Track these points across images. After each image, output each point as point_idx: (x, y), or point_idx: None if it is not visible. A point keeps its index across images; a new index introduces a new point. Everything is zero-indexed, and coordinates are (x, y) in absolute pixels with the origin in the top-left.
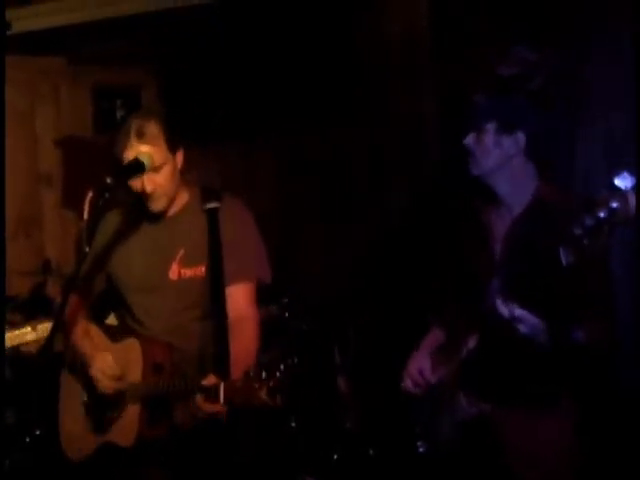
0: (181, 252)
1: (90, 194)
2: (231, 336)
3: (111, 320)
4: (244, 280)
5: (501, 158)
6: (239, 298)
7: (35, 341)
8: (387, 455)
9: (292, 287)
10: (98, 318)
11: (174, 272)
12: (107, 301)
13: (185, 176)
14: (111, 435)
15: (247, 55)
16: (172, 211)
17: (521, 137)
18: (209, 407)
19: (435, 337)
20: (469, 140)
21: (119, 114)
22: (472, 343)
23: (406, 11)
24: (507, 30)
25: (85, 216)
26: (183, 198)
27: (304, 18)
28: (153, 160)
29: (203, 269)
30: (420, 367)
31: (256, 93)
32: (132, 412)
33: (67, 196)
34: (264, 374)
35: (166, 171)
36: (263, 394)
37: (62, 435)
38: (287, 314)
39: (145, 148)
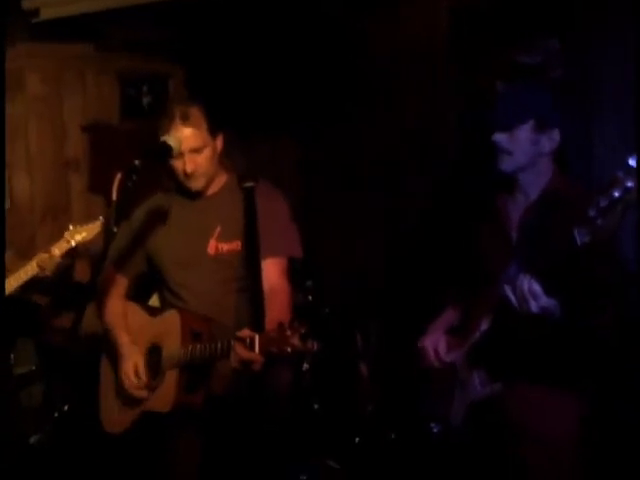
0: (218, 228)
1: (119, 176)
2: (267, 307)
3: (153, 302)
4: (277, 254)
5: (534, 156)
6: (272, 271)
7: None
8: (406, 438)
9: (316, 272)
10: (141, 300)
11: (212, 247)
12: (149, 283)
13: (224, 161)
14: (149, 403)
15: (273, 47)
16: (211, 191)
17: (556, 136)
18: (246, 353)
19: (449, 317)
20: (500, 138)
21: (145, 101)
22: (485, 325)
23: (426, 5)
24: (527, 23)
25: (114, 197)
26: (221, 179)
27: (328, 14)
28: (193, 141)
29: (239, 244)
30: (435, 344)
31: (280, 85)
32: (170, 378)
33: (94, 181)
34: (296, 323)
35: (207, 153)
36: (296, 340)
37: (101, 410)
38: (311, 298)
39: (188, 130)
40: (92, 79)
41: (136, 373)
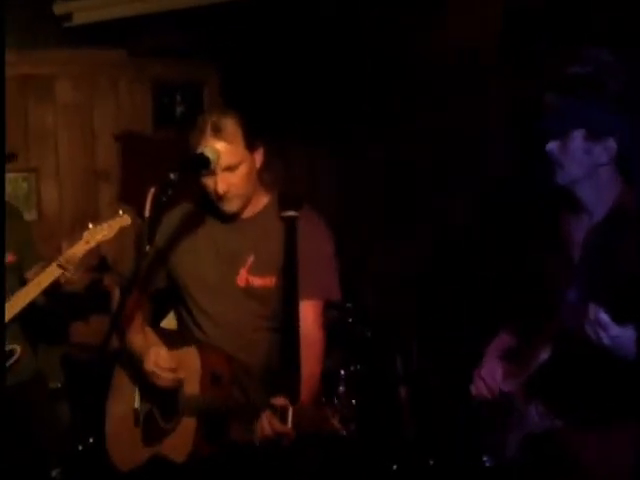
0: (251, 258)
1: (152, 190)
2: (303, 352)
3: (167, 322)
4: (314, 297)
5: (590, 167)
6: (307, 316)
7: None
8: (448, 466)
9: (355, 292)
10: (155, 317)
11: (242, 278)
12: (166, 300)
13: (264, 177)
14: (163, 448)
15: (313, 55)
16: (247, 213)
17: (612, 144)
18: (277, 426)
19: (504, 343)
20: (552, 147)
21: (179, 110)
22: (545, 354)
23: (476, 13)
24: (582, 33)
25: (147, 213)
26: (260, 201)
27: (368, 22)
28: (226, 158)
29: (273, 280)
30: (492, 372)
31: (320, 95)
32: (187, 425)
33: (124, 192)
34: (336, 400)
35: (242, 170)
36: (335, 422)
37: (109, 442)
38: (350, 320)
39: (221, 145)
40: (125, 87)
41: (163, 358)
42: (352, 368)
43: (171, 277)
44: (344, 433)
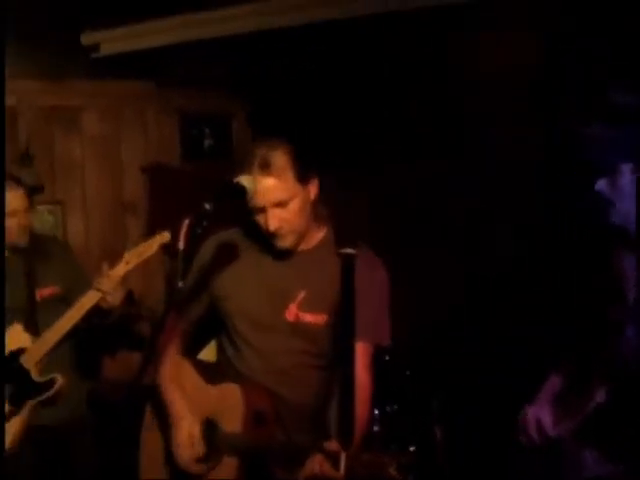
0: (302, 294)
1: (187, 221)
2: None
3: (206, 354)
4: (366, 340)
5: None
6: (358, 358)
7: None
8: None
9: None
10: (193, 347)
11: (291, 313)
12: (207, 329)
13: (318, 210)
14: None
15: (341, 85)
16: (302, 247)
17: None
18: (328, 471)
19: (554, 385)
20: (602, 185)
21: (207, 143)
22: (601, 396)
23: (520, 37)
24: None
25: (181, 245)
26: (316, 236)
27: (403, 49)
28: (276, 194)
29: (325, 318)
30: (539, 418)
31: (350, 125)
32: (228, 466)
33: (152, 226)
34: (393, 447)
35: (294, 206)
36: (392, 470)
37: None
38: (388, 357)
39: (270, 181)
40: (152, 118)
41: (192, 443)
42: (388, 408)
43: (215, 306)
44: None
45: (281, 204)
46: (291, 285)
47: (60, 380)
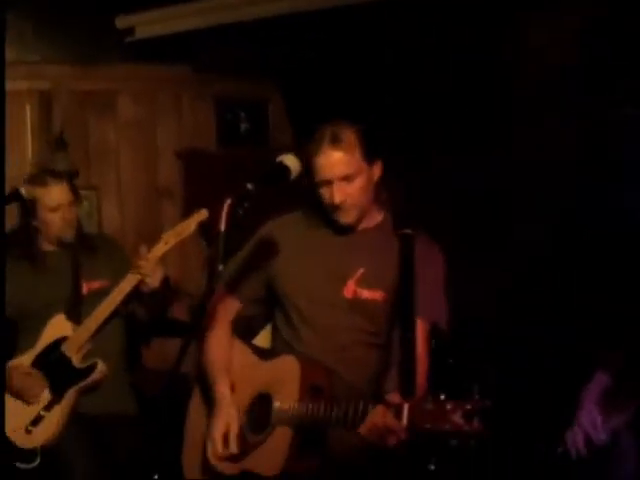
0: (361, 270)
1: (228, 202)
2: None
3: (261, 340)
4: (423, 317)
5: None
6: (419, 335)
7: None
8: None
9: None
10: (247, 332)
11: (349, 290)
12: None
13: (381, 194)
14: (250, 462)
15: (382, 70)
16: (362, 226)
17: None
18: (391, 422)
19: (601, 384)
20: None
21: (243, 127)
22: None
23: (555, 28)
24: None
25: (222, 227)
26: (376, 217)
27: (444, 36)
28: (344, 167)
29: (382, 294)
30: (592, 421)
31: (388, 115)
32: (280, 438)
33: (188, 211)
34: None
35: (359, 182)
36: (458, 417)
37: (187, 459)
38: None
39: (338, 155)
40: (188, 103)
41: (225, 439)
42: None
43: (272, 286)
44: (468, 430)
45: (347, 178)
46: (350, 262)
47: (101, 365)
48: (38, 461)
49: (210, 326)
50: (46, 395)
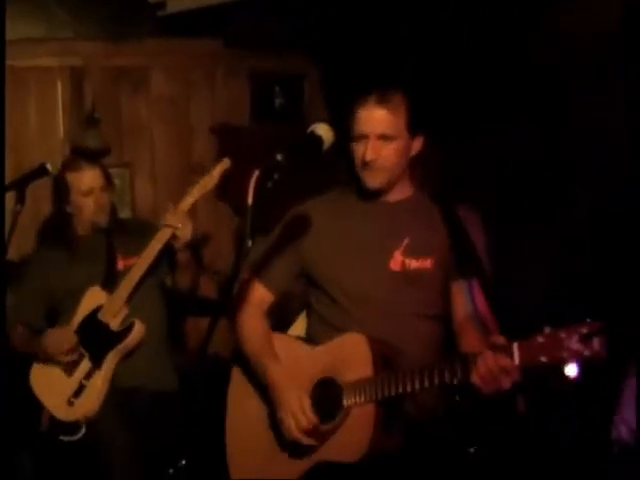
0: (406, 241)
1: (256, 174)
2: (467, 333)
3: (296, 329)
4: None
5: None
6: (478, 297)
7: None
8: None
9: None
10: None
11: (396, 262)
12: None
13: (416, 171)
14: (327, 452)
15: (425, 47)
16: (394, 197)
17: None
18: (504, 363)
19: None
20: None
21: (278, 103)
22: None
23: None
24: None
25: (249, 201)
26: (407, 189)
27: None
28: (384, 126)
29: (432, 262)
30: (631, 423)
31: (434, 90)
32: (361, 416)
33: (221, 189)
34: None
35: (396, 146)
36: (575, 343)
37: (235, 462)
38: None
39: (382, 112)
40: (221, 79)
41: (304, 411)
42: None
43: (309, 272)
44: (588, 354)
45: (385, 138)
46: (393, 234)
47: (139, 325)
48: (83, 432)
49: (244, 316)
50: (86, 364)
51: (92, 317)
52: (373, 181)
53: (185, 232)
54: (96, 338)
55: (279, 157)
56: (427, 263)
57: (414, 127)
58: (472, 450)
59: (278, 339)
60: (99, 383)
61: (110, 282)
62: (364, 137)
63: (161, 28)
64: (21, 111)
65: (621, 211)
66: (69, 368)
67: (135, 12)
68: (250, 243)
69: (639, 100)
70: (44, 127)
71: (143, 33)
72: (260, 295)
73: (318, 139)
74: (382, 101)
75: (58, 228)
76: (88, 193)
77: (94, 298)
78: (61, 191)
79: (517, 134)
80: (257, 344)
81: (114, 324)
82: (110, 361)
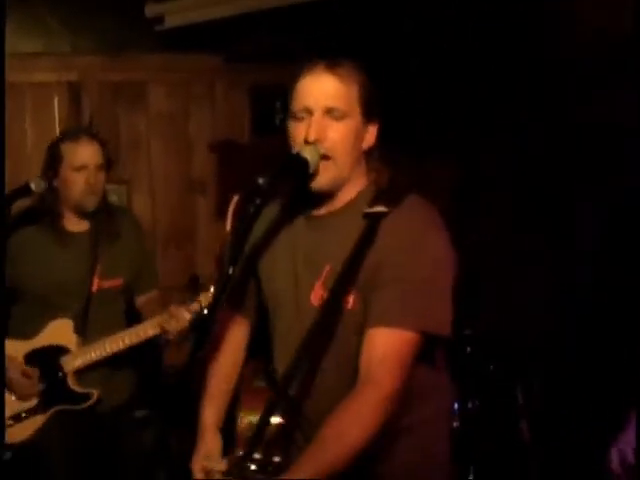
0: (327, 268)
1: (235, 199)
2: (344, 402)
3: None
4: (394, 325)
5: None
6: (376, 349)
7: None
8: None
9: (474, 317)
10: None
11: (317, 296)
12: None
13: (373, 163)
14: None
15: (418, 55)
16: (334, 206)
17: None
18: None
19: None
20: None
21: (278, 118)
22: None
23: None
24: None
25: (227, 226)
26: (351, 190)
27: (485, 15)
28: (333, 98)
29: (353, 297)
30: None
31: (429, 99)
32: None
33: (221, 205)
34: None
35: (346, 125)
36: None
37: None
38: (469, 349)
39: (330, 81)
40: (221, 93)
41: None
42: (470, 404)
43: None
44: None
45: (333, 112)
46: (319, 257)
47: (95, 396)
48: (9, 456)
49: (213, 349)
50: (34, 400)
51: (53, 354)
52: (318, 180)
53: (177, 338)
54: (51, 380)
55: (261, 181)
56: (348, 300)
57: (370, 110)
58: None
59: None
60: (38, 423)
61: (81, 315)
62: (307, 112)
63: (160, 43)
64: (18, 126)
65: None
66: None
67: (133, 27)
68: (231, 270)
69: None
70: (41, 142)
71: (142, 48)
72: (229, 319)
73: (304, 161)
74: (332, 68)
75: (45, 209)
76: (80, 168)
77: (61, 334)
78: (51, 161)
79: (522, 131)
80: (208, 388)
81: (72, 380)
82: (56, 411)
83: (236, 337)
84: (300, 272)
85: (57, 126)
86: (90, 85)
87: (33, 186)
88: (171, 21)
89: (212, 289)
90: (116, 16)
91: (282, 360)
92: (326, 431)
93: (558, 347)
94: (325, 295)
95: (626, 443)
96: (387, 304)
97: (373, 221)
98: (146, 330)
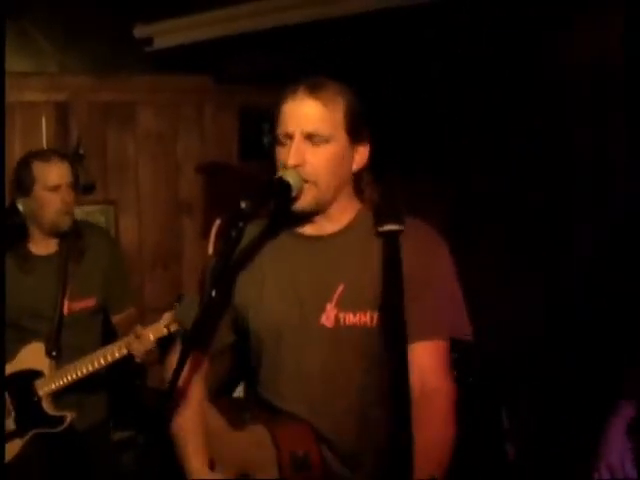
0: (340, 289)
1: (217, 223)
2: (418, 424)
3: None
4: (434, 336)
5: None
6: (425, 362)
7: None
8: None
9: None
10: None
11: (329, 317)
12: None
13: (365, 187)
14: None
15: (410, 77)
16: (330, 228)
17: None
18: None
19: (627, 415)
20: None
21: (267, 140)
22: None
23: (597, 37)
24: None
25: (209, 251)
26: (348, 213)
27: (481, 45)
28: (313, 122)
29: (372, 316)
30: (620, 457)
31: (420, 120)
32: None
33: (208, 227)
34: None
35: (329, 150)
36: None
37: None
38: (456, 372)
39: (311, 104)
40: (210, 115)
41: None
42: None
43: (239, 323)
44: None
45: (314, 138)
46: (324, 279)
47: (69, 418)
48: None
49: (182, 389)
50: (10, 424)
51: (27, 379)
52: (300, 200)
53: (145, 360)
54: (25, 405)
55: (243, 204)
56: (366, 317)
57: (357, 131)
58: None
59: (210, 414)
60: (17, 446)
61: (53, 338)
62: (288, 137)
63: (149, 64)
64: (6, 146)
65: None
66: None
67: (123, 48)
68: (214, 294)
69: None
70: None
71: (130, 69)
72: (194, 363)
73: (286, 185)
74: (314, 91)
75: (11, 233)
76: (55, 188)
77: (34, 358)
78: (22, 182)
79: (535, 138)
80: (182, 434)
81: (47, 404)
82: (32, 435)
83: (200, 378)
84: (305, 294)
85: (45, 146)
86: (79, 105)
87: (21, 207)
88: (160, 42)
89: (174, 309)
90: (105, 37)
91: (294, 388)
92: (419, 457)
93: (546, 366)
94: (340, 315)
95: (615, 457)
96: (421, 318)
97: (391, 239)
98: (113, 352)
